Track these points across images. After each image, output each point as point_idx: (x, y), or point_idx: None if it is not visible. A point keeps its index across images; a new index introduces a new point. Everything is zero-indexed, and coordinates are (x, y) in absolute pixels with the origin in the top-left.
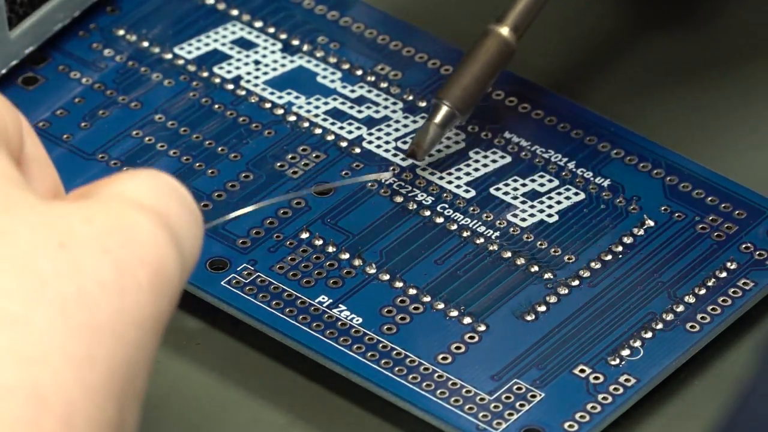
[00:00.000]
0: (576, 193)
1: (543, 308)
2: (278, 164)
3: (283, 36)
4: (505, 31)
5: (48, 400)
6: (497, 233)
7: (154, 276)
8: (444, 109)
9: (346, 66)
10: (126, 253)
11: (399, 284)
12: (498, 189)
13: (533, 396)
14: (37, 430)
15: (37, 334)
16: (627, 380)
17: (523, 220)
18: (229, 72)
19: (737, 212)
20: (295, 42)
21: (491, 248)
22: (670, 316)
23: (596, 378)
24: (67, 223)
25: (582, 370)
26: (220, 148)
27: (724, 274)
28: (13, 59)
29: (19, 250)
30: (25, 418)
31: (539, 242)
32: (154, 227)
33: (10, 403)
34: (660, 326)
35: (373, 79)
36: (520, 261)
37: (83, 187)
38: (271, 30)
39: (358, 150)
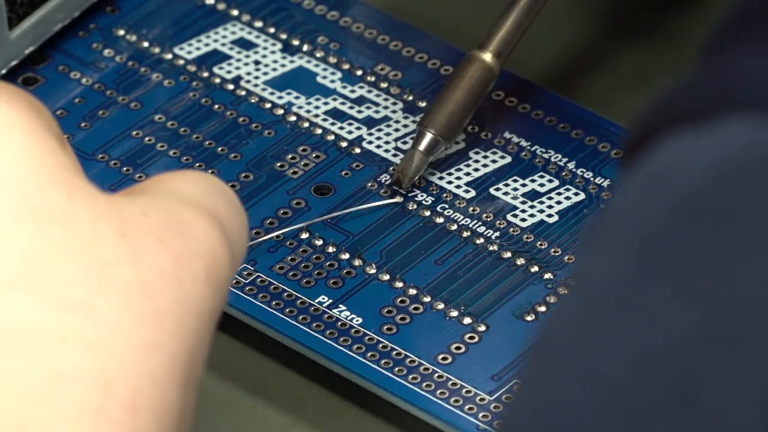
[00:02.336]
0: (576, 193)
1: (543, 308)
2: (278, 164)
3: (283, 36)
4: (488, 57)
5: (114, 387)
6: (497, 233)
7: (209, 269)
8: (428, 137)
9: (346, 66)
10: (182, 245)
11: (399, 284)
12: (498, 189)
13: None
14: (104, 417)
15: (101, 320)
16: None
17: (523, 220)
18: (229, 72)
19: None
20: (295, 42)
21: (491, 248)
22: None
23: None
24: (126, 213)
25: None
26: (220, 149)
27: None
28: (13, 59)
29: (81, 236)
30: (92, 405)
31: (539, 242)
32: (206, 224)
33: (76, 389)
34: None
35: (373, 79)
36: (520, 261)
37: (131, 187)
38: (271, 30)
39: (358, 150)
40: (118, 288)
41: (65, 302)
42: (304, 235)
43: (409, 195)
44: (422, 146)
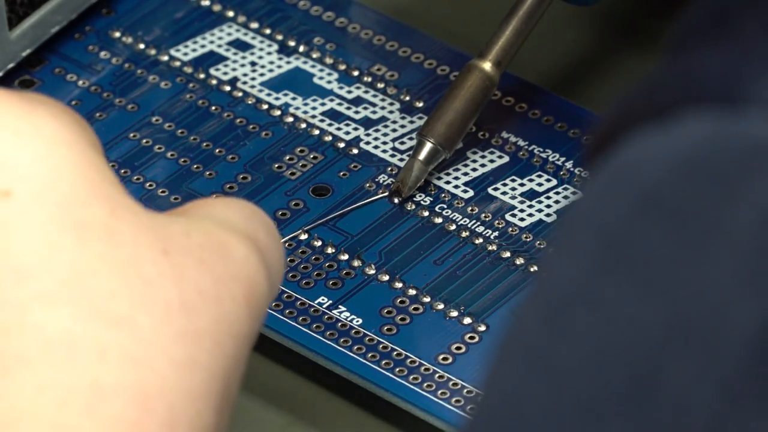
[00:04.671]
0: (574, 193)
1: None
2: (276, 165)
3: (279, 37)
4: (487, 66)
5: (152, 403)
6: (496, 233)
7: (247, 292)
8: (428, 146)
9: (342, 67)
10: (221, 267)
11: (398, 285)
12: (496, 189)
13: None
14: None
15: (142, 336)
16: None
17: (522, 219)
18: (225, 74)
19: None
20: (291, 43)
21: (490, 248)
22: None
23: None
24: (168, 232)
25: None
26: (217, 150)
27: None
28: (11, 62)
29: (124, 252)
30: (130, 419)
31: (538, 242)
32: (246, 249)
33: (115, 403)
34: None
35: (369, 79)
36: (519, 261)
37: (172, 210)
38: (267, 31)
39: (355, 151)
40: (159, 305)
41: (107, 316)
42: (303, 237)
43: (407, 195)
44: (422, 156)
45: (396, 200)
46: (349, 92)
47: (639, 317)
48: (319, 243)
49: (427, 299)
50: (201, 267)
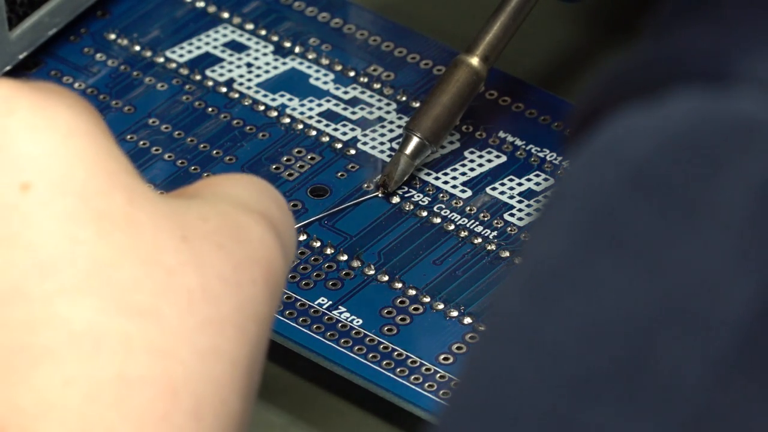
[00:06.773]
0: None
1: None
2: (274, 167)
3: (275, 38)
4: (474, 61)
5: (178, 394)
6: (495, 233)
7: (266, 274)
8: (414, 141)
9: (338, 67)
10: (240, 250)
11: (398, 285)
12: (494, 189)
13: None
14: (168, 423)
15: (166, 326)
16: None
17: (521, 219)
18: (221, 75)
19: None
20: (287, 44)
21: (489, 248)
22: None
23: None
24: (187, 218)
25: None
26: (215, 152)
27: None
28: (8, 64)
29: (144, 241)
30: (157, 411)
31: None
32: (262, 228)
33: (142, 394)
34: None
35: (366, 80)
36: (519, 260)
37: (183, 188)
38: (263, 32)
39: (353, 151)
40: (182, 293)
41: (131, 307)
42: (302, 237)
43: (406, 196)
44: (408, 150)
45: (381, 193)
46: (346, 93)
47: (629, 294)
48: (318, 244)
49: (427, 299)
50: (220, 252)
